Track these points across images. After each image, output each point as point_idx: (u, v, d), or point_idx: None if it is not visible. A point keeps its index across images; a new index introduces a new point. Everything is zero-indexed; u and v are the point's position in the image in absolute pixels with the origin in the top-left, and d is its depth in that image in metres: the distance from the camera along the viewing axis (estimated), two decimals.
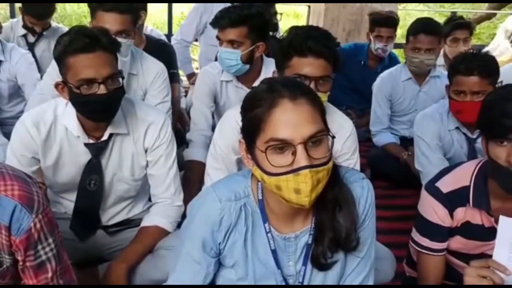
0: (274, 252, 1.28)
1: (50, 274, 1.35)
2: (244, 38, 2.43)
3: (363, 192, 1.29)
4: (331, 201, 1.24)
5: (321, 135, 1.14)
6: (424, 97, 3.26)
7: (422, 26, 3.10)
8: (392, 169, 3.12)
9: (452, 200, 1.59)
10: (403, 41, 3.34)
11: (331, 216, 1.24)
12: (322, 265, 1.27)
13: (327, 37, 1.79)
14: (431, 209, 1.62)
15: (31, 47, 3.45)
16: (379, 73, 3.49)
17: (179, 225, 1.94)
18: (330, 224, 1.24)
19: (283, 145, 1.13)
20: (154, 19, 7.41)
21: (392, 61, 3.85)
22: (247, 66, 2.49)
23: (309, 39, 1.73)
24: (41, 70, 3.15)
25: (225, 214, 1.26)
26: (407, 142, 3.28)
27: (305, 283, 1.30)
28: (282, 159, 1.13)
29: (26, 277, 1.35)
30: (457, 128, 2.47)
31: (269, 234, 1.27)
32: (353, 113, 3.82)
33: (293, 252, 1.30)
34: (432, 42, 3.06)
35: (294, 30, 1.81)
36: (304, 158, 1.11)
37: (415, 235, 1.69)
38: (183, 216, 1.85)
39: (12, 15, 4.53)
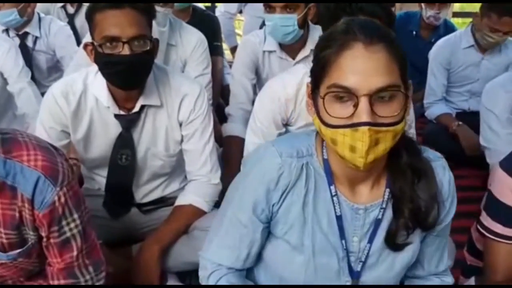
0: (339, 219, 1.12)
1: (75, 253, 1.27)
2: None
3: (444, 172, 1.16)
4: (410, 169, 1.11)
5: (393, 90, 0.98)
6: (487, 65, 2.99)
7: (510, 8, 2.70)
8: (450, 147, 2.86)
9: None
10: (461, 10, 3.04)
11: (411, 185, 1.10)
12: (396, 245, 1.13)
13: None
14: (508, 190, 1.41)
15: (71, 18, 3.39)
16: (433, 44, 3.22)
17: (216, 205, 1.82)
18: (410, 193, 1.10)
19: (345, 94, 0.98)
20: None
21: (449, 30, 3.50)
22: (302, 31, 2.32)
23: None
24: (81, 43, 3.08)
25: (285, 170, 1.11)
26: (466, 116, 3.02)
27: (369, 262, 1.16)
28: (341, 110, 0.99)
29: (50, 255, 1.28)
30: None
31: (335, 198, 1.12)
32: None
33: (360, 226, 1.14)
34: None
35: None
36: (366, 112, 0.96)
37: (485, 219, 1.48)
38: (221, 195, 1.74)
39: None
